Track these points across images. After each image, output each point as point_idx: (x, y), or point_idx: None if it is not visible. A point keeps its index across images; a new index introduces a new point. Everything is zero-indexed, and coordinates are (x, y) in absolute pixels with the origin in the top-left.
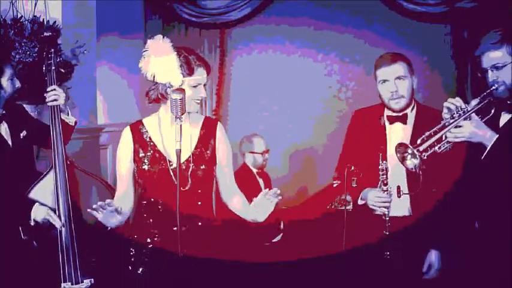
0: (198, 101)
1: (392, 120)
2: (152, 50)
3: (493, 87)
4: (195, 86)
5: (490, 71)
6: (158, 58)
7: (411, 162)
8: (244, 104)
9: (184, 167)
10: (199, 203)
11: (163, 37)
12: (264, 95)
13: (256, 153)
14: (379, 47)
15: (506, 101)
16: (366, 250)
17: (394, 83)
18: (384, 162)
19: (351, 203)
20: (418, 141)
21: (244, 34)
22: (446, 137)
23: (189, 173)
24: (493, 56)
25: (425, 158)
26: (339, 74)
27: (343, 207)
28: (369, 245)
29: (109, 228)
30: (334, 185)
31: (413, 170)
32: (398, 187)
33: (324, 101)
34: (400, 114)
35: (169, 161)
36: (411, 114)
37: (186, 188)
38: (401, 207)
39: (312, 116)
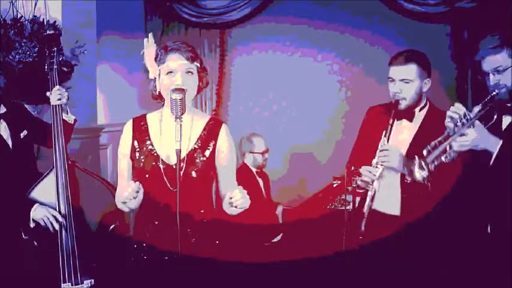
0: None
1: (399, 116)
2: (145, 51)
3: (494, 93)
4: (169, 73)
5: (491, 75)
6: (146, 56)
7: (419, 175)
8: (244, 104)
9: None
10: (194, 205)
11: (149, 34)
12: (264, 95)
13: (256, 153)
14: (379, 47)
15: (507, 103)
16: (365, 250)
17: (399, 84)
18: (384, 139)
19: (351, 203)
20: (424, 152)
21: (244, 34)
22: (451, 147)
23: (181, 173)
24: (493, 60)
25: (433, 170)
26: (339, 74)
27: (343, 207)
28: (369, 244)
29: (110, 228)
30: (334, 185)
31: (423, 182)
32: (403, 175)
33: (324, 101)
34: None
35: (162, 160)
36: (419, 113)
37: (174, 189)
38: (392, 205)
39: (312, 116)
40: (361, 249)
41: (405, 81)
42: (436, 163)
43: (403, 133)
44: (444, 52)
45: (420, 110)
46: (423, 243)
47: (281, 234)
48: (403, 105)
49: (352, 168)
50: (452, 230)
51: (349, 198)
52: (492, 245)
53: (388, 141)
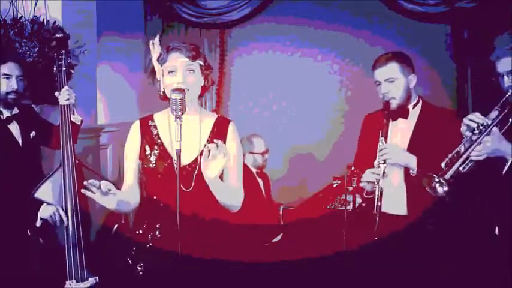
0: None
1: (394, 116)
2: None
3: (509, 93)
4: (170, 72)
5: (505, 77)
6: (153, 57)
7: (441, 190)
8: (244, 104)
9: (190, 168)
10: (204, 205)
11: (154, 37)
12: (264, 95)
13: (256, 153)
14: (379, 47)
15: None
16: (366, 250)
17: (385, 85)
18: (382, 138)
19: (351, 203)
20: (443, 165)
21: (244, 34)
22: (469, 156)
23: (194, 174)
24: (509, 61)
25: (450, 180)
26: (339, 74)
27: (343, 207)
28: (369, 244)
29: (115, 227)
30: (334, 185)
31: (443, 195)
32: (407, 172)
33: (324, 101)
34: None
35: (175, 160)
36: (414, 110)
37: (189, 190)
38: (399, 205)
39: (312, 116)
40: (361, 249)
41: (390, 81)
42: (454, 174)
43: (401, 132)
44: (444, 52)
45: (413, 107)
46: (424, 243)
47: (281, 234)
48: (394, 104)
49: (353, 168)
50: (454, 230)
51: (349, 198)
52: (498, 248)
53: (386, 141)
